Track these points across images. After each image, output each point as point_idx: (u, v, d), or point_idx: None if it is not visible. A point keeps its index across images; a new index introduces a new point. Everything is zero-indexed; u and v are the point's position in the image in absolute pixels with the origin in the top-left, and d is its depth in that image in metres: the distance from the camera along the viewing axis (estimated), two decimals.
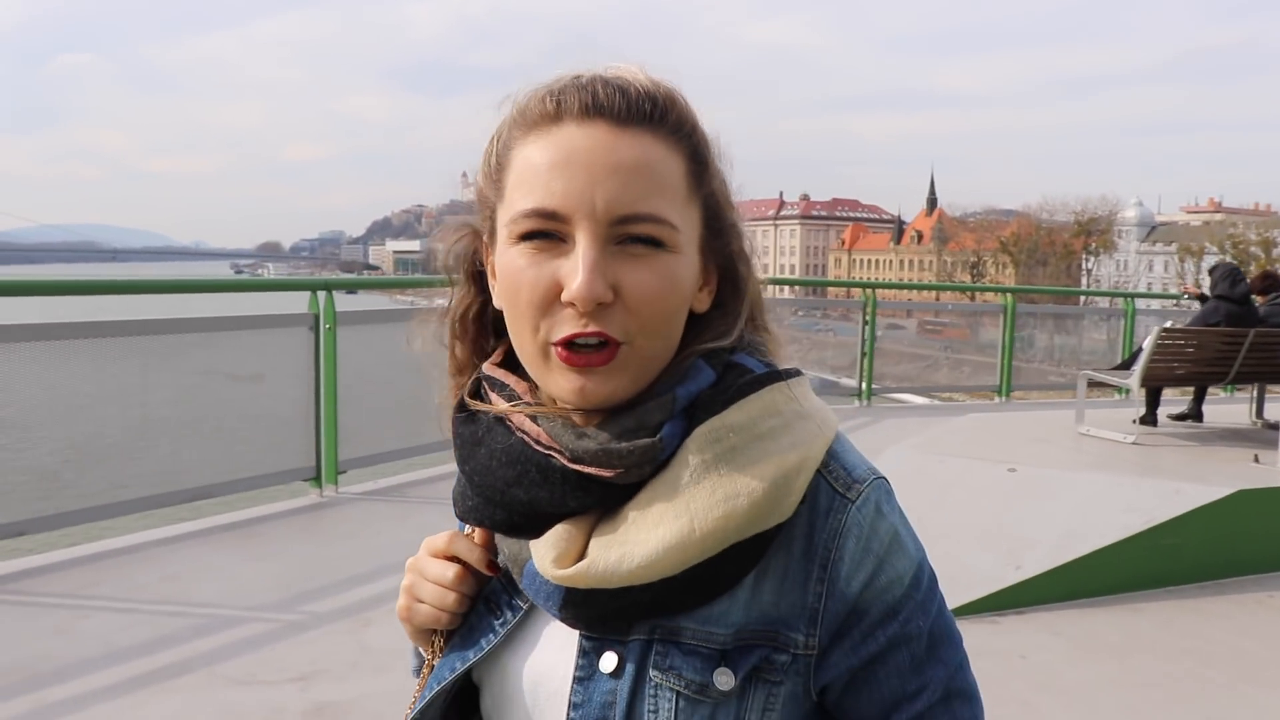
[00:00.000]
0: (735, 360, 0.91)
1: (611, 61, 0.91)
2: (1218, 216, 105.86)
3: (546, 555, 0.86)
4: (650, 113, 0.87)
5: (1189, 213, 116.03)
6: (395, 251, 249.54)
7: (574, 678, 0.88)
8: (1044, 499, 5.41)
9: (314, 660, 3.72)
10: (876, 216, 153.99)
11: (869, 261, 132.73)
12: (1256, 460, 6.16)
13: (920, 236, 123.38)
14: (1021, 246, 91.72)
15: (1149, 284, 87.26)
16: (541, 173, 0.85)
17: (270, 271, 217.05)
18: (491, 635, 0.94)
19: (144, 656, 3.71)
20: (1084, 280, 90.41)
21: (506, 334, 0.93)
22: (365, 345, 6.26)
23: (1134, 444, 6.66)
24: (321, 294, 6.03)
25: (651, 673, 0.86)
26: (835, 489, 0.87)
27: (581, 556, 0.85)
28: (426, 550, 0.98)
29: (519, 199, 0.86)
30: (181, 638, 3.89)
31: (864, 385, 10.73)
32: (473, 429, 0.93)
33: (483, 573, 0.95)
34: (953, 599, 4.22)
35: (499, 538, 0.93)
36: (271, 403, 6.14)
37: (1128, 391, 7.43)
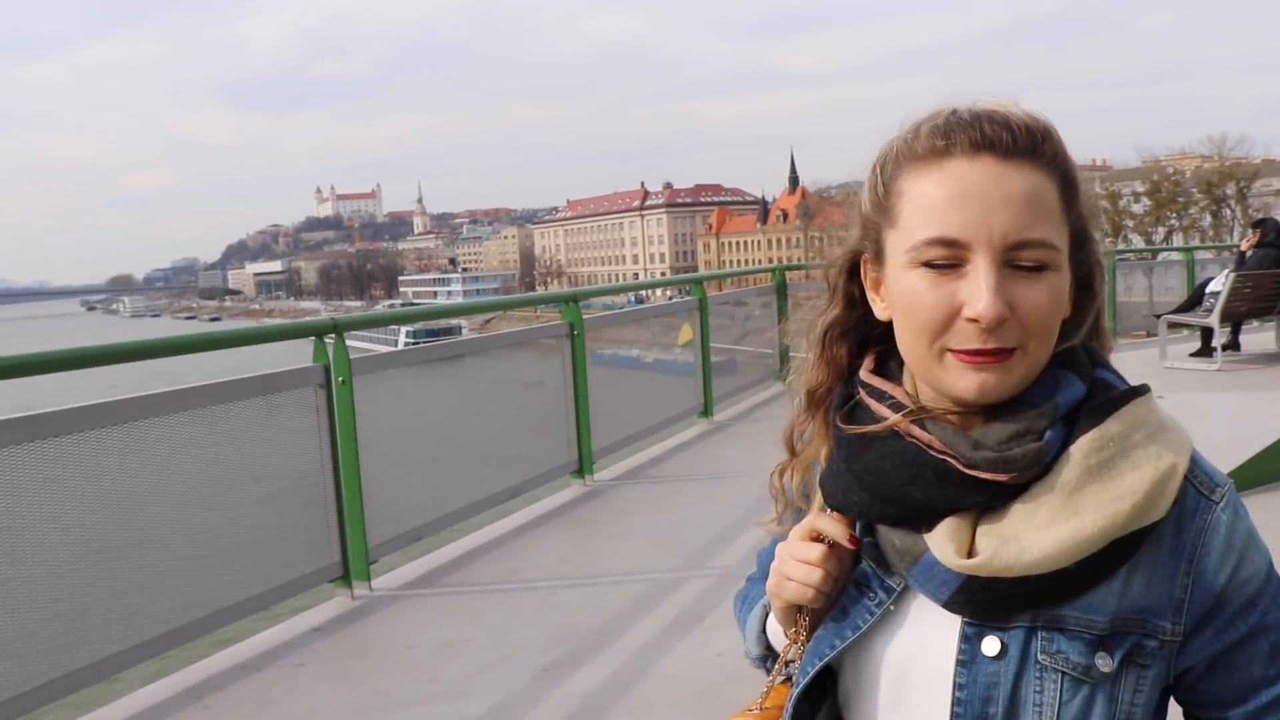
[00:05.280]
0: (1100, 376, 1.02)
1: (982, 96, 1.00)
2: None
3: (947, 547, 0.96)
4: (1031, 146, 0.96)
5: None
6: (256, 274, 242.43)
7: (957, 660, 0.98)
8: (1199, 416, 6.70)
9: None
10: (740, 199, 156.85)
11: (737, 244, 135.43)
12: None
13: (785, 215, 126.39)
14: None
15: None
16: (939, 204, 0.95)
17: (126, 305, 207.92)
18: (868, 615, 1.03)
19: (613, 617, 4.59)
20: None
21: (872, 343, 1.09)
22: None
23: (1219, 370, 8.09)
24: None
25: (1040, 656, 0.95)
26: (1201, 492, 0.98)
27: (970, 547, 0.96)
28: (794, 535, 1.07)
29: (919, 228, 0.96)
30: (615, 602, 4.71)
31: None
32: (858, 433, 1.03)
33: (844, 555, 1.05)
34: None
35: (883, 532, 1.03)
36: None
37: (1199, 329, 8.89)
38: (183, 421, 4.34)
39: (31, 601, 3.58)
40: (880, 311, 1.05)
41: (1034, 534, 0.93)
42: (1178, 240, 73.75)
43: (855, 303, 1.09)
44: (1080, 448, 0.95)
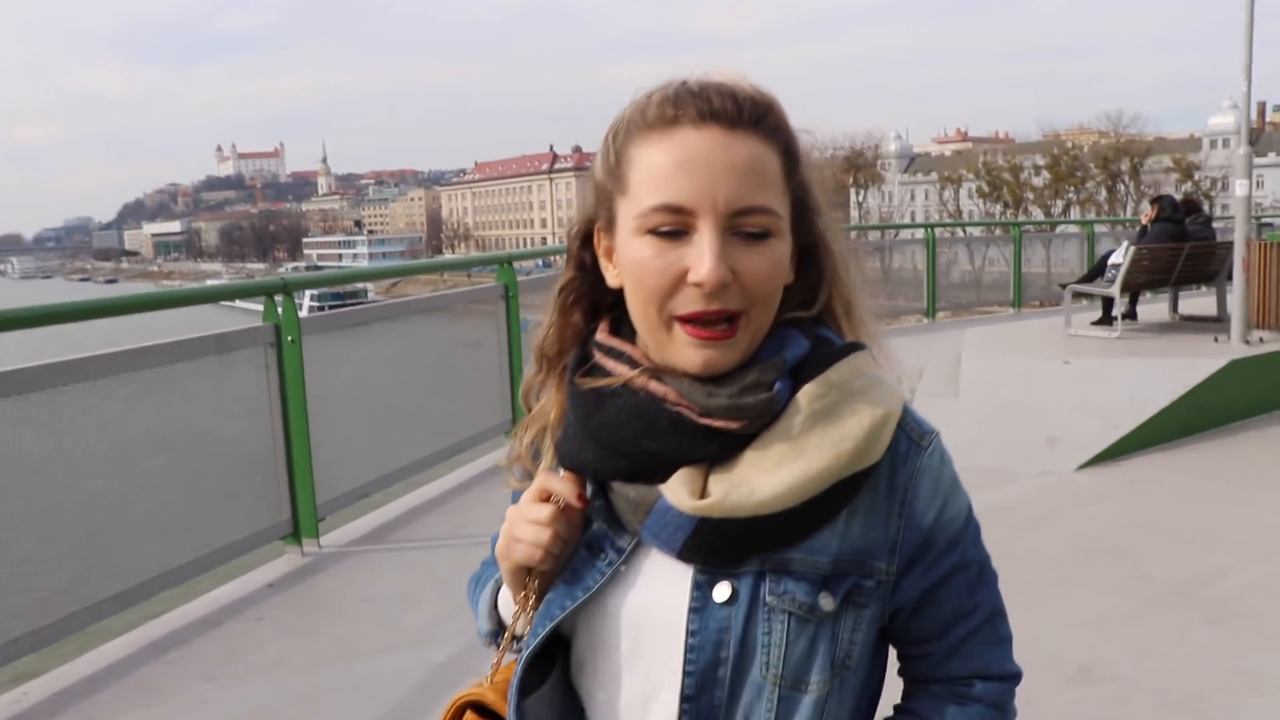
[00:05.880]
0: (820, 333, 1.06)
1: (713, 69, 1.03)
2: (966, 145, 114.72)
3: (680, 491, 0.99)
4: (756, 118, 0.99)
5: (940, 143, 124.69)
6: (154, 235, 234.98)
7: (689, 608, 1.01)
8: (1103, 380, 7.18)
9: None
10: None
11: None
12: (1216, 340, 8.17)
13: None
14: None
15: (912, 213, 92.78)
16: (666, 172, 0.98)
17: (15, 266, 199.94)
18: (599, 575, 1.04)
19: None
20: (855, 213, 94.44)
21: (606, 309, 1.10)
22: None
23: (1119, 338, 8.59)
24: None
25: (768, 598, 0.99)
26: (912, 438, 1.03)
27: (703, 493, 0.99)
28: (525, 497, 1.07)
29: (646, 195, 0.99)
30: None
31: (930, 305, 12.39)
32: (594, 390, 1.05)
33: (574, 517, 1.05)
34: (1088, 452, 5.84)
35: (617, 489, 1.04)
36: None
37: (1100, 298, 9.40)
38: (135, 380, 4.36)
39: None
40: (612, 279, 1.07)
41: (763, 477, 0.97)
42: (1075, 213, 75.60)
43: (587, 268, 1.10)
44: (805, 395, 1.00)
